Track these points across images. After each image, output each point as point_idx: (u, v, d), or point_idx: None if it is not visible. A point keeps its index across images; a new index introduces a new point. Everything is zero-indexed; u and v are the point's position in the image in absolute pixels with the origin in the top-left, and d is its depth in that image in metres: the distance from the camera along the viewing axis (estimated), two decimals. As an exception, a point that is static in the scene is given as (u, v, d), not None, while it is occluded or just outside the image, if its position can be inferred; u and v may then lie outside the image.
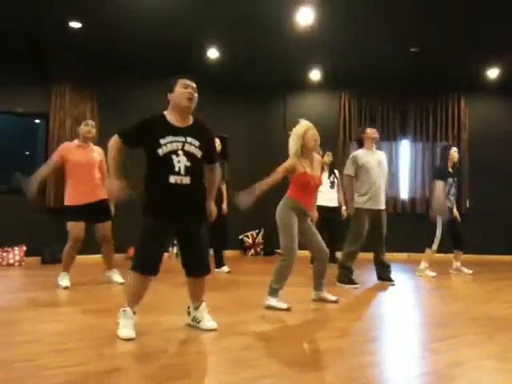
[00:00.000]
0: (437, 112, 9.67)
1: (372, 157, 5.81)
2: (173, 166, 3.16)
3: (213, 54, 8.03)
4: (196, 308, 3.49)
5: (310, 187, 4.38)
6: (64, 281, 5.20)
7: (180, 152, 3.19)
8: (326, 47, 7.77)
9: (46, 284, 5.39)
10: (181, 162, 3.18)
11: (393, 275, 5.92)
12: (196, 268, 3.39)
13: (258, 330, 3.50)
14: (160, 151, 3.17)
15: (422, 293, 5.57)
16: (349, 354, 2.90)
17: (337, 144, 9.40)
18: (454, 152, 6.93)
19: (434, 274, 6.66)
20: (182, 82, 3.36)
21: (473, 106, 9.63)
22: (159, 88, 8.35)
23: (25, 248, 7.38)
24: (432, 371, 2.60)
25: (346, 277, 5.62)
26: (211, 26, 7.02)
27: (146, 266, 3.19)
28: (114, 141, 3.27)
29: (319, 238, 4.46)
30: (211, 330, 3.40)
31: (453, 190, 6.95)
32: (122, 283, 5.42)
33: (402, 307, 4.64)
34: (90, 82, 8.06)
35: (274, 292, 4.26)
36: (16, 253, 7.28)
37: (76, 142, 5.44)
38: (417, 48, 7.74)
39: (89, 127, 5.41)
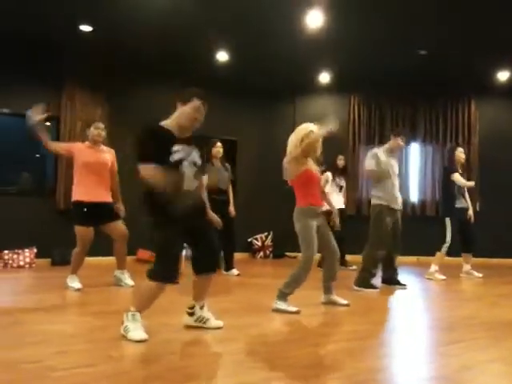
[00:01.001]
0: (447, 115, 9.63)
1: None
2: (183, 173, 3.22)
3: (222, 56, 8.06)
4: (202, 307, 3.50)
5: (314, 183, 4.39)
6: (75, 283, 5.21)
7: (188, 159, 3.26)
8: (335, 50, 7.77)
9: (56, 286, 5.42)
10: (189, 169, 3.25)
11: (403, 278, 5.88)
12: (209, 263, 3.41)
13: (265, 332, 3.50)
14: (171, 158, 3.18)
15: (432, 296, 5.55)
16: (357, 358, 2.88)
17: (346, 147, 9.38)
18: (459, 153, 6.93)
19: (443, 277, 6.62)
20: (196, 103, 3.29)
21: (483, 109, 9.58)
22: (169, 91, 8.43)
23: (35, 250, 7.42)
24: (441, 375, 2.59)
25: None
26: (221, 29, 7.05)
27: (168, 275, 3.17)
28: (147, 170, 3.13)
29: (333, 239, 4.45)
30: (217, 328, 3.45)
31: (465, 190, 6.94)
32: (132, 286, 5.44)
33: (411, 310, 4.62)
34: (101, 84, 8.10)
35: (283, 296, 4.24)
36: (26, 255, 7.32)
37: (86, 143, 5.45)
38: (426, 51, 7.72)
39: (99, 130, 5.39)
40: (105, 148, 5.51)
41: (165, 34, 7.10)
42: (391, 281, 5.79)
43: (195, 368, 2.66)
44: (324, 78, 9.24)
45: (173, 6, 6.32)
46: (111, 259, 5.64)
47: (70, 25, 6.85)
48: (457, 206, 6.83)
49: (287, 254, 9.44)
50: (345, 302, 4.54)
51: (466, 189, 6.97)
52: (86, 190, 5.24)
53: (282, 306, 4.19)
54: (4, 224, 7.25)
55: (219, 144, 6.71)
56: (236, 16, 6.55)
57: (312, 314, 4.18)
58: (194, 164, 3.32)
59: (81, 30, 7.00)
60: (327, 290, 4.58)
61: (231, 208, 6.78)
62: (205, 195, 3.58)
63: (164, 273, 3.17)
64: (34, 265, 7.32)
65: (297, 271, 4.25)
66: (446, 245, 6.66)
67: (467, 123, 9.56)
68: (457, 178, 6.79)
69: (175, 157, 3.20)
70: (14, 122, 8.16)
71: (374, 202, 5.71)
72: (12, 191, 7.78)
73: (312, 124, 4.36)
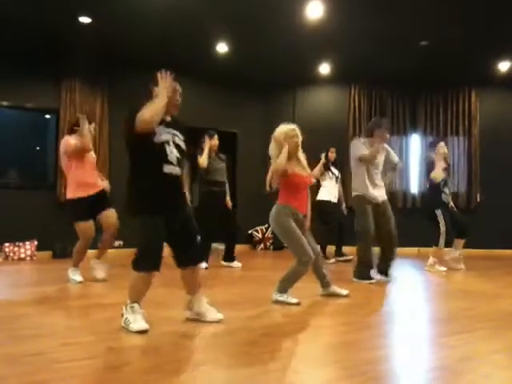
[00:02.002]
0: (447, 106, 9.61)
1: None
2: (166, 155, 3.21)
3: (222, 48, 8.02)
4: (197, 301, 3.49)
5: (301, 187, 4.29)
6: (76, 276, 5.23)
7: (171, 143, 3.26)
8: (335, 41, 7.73)
9: (57, 278, 5.44)
10: (173, 153, 3.25)
11: (403, 270, 5.88)
12: (192, 256, 3.40)
13: (266, 324, 3.50)
14: (155, 138, 3.18)
15: (432, 287, 5.55)
16: (358, 349, 2.89)
17: (347, 137, 9.37)
18: (440, 148, 6.81)
19: (444, 268, 6.62)
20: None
21: (484, 100, 9.55)
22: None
23: (36, 242, 7.43)
24: (441, 366, 2.59)
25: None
26: (221, 21, 7.01)
27: (152, 263, 3.17)
28: (148, 108, 3.12)
29: (311, 239, 4.38)
30: (216, 321, 3.43)
31: (448, 185, 6.85)
32: (101, 280, 5.33)
33: (412, 302, 4.63)
34: (101, 77, 8.09)
35: (283, 289, 4.22)
36: (27, 247, 7.34)
37: (73, 137, 5.23)
38: (427, 41, 7.68)
39: (93, 132, 5.42)
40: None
41: (164, 25, 7.06)
42: (382, 271, 5.75)
43: (195, 360, 2.67)
44: (324, 68, 9.20)
45: (176, 0, 6.28)
46: (113, 252, 5.64)
47: (69, 17, 6.81)
48: (442, 199, 6.76)
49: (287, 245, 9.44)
50: (344, 292, 4.54)
51: (449, 184, 6.87)
52: (81, 186, 5.18)
53: (282, 297, 4.19)
54: (5, 217, 7.26)
55: (216, 136, 6.71)
56: (236, 7, 6.52)
57: (311, 306, 4.19)
58: (179, 148, 3.30)
59: (80, 22, 6.96)
60: (324, 284, 4.55)
61: (227, 199, 6.78)
62: (187, 184, 3.55)
63: (147, 262, 3.17)
64: (34, 257, 7.34)
65: (295, 268, 4.19)
66: (442, 238, 6.58)
67: (467, 114, 9.54)
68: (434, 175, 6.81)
69: (159, 138, 3.19)
70: (14, 115, 8.16)
71: (353, 193, 5.65)
72: (12, 184, 7.78)
73: (286, 124, 4.28)
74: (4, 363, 2.52)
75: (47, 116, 8.35)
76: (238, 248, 7.53)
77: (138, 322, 3.14)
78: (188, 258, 3.40)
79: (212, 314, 3.47)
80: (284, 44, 7.84)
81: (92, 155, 5.40)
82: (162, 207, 3.23)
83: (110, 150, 8.18)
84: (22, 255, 7.28)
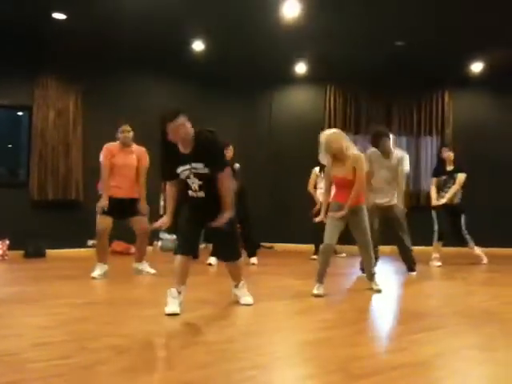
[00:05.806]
0: (421, 106, 9.73)
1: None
2: (189, 186, 3.80)
3: (198, 46, 8.00)
4: (236, 286, 4.14)
5: (339, 185, 4.75)
6: (96, 271, 5.38)
7: (191, 176, 3.75)
8: (311, 40, 7.77)
9: (30, 278, 5.37)
10: (194, 183, 3.77)
11: (382, 269, 5.94)
12: (222, 255, 4.26)
13: (243, 322, 3.51)
14: (180, 175, 3.80)
15: (406, 285, 5.61)
16: (333, 346, 2.91)
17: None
18: (444, 152, 7.40)
19: (438, 263, 7.01)
20: (167, 128, 3.72)
21: (457, 101, 9.68)
22: (146, 82, 8.36)
23: (8, 242, 7.29)
24: (414, 362, 2.62)
25: None
26: (198, 20, 7.00)
27: (184, 248, 3.78)
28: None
29: (361, 231, 4.76)
30: (248, 304, 3.99)
31: (447, 187, 7.29)
32: (154, 273, 5.66)
33: (386, 300, 4.67)
34: (76, 74, 7.98)
35: (319, 278, 4.58)
36: (-1, 246, 7.20)
37: (117, 144, 5.58)
38: (402, 42, 7.77)
39: (125, 134, 5.55)
40: (134, 147, 5.66)
41: (140, 22, 7.01)
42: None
43: (171, 358, 2.66)
44: (300, 68, 9.24)
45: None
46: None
47: (43, 12, 6.71)
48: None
49: (263, 244, 9.44)
50: (377, 287, 4.87)
51: (447, 185, 7.32)
52: (111, 186, 5.44)
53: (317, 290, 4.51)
54: (-24, 215, 7.12)
55: (231, 147, 6.62)
56: (212, 6, 6.50)
57: (289, 304, 4.21)
58: (200, 176, 3.73)
59: (54, 18, 6.87)
60: (367, 277, 4.95)
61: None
62: (226, 199, 3.79)
63: (181, 247, 3.80)
64: (6, 257, 7.20)
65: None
66: (435, 234, 7.18)
67: (441, 115, 9.67)
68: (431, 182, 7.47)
69: (181, 176, 3.78)
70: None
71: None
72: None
73: (331, 131, 4.70)
74: (-26, 364, 2.47)
75: (20, 113, 8.21)
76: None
77: (169, 305, 3.60)
78: (221, 255, 4.38)
79: (244, 298, 4.06)
80: (260, 43, 7.85)
81: (127, 164, 5.61)
82: (195, 213, 3.87)
83: (83, 150, 8.05)
84: (-6, 255, 7.15)
